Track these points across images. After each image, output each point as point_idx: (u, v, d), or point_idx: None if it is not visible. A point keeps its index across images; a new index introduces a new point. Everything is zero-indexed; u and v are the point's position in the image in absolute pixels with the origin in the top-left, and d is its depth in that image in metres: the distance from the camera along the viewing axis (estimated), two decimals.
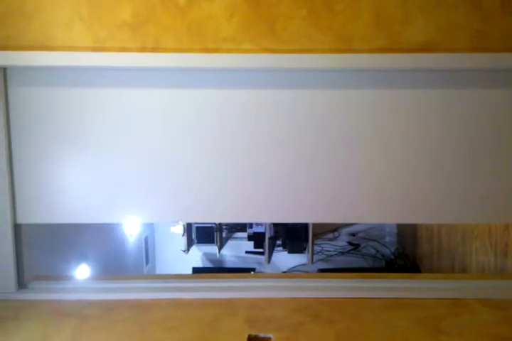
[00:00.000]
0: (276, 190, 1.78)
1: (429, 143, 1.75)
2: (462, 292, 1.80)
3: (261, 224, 4.21)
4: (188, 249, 4.50)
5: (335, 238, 4.75)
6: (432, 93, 1.73)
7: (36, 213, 1.77)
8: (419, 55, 1.65)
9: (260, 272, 4.58)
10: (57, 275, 1.83)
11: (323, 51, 1.66)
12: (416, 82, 1.72)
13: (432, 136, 1.75)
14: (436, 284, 1.83)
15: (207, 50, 1.66)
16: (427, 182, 1.77)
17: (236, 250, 4.90)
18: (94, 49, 1.66)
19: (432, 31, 1.66)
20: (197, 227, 4.52)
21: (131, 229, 4.00)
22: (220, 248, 4.70)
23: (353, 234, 4.72)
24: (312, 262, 4.23)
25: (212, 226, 4.55)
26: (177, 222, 4.02)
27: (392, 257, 4.57)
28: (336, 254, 4.67)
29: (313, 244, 4.21)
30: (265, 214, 1.82)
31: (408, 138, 1.76)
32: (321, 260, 4.66)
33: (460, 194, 1.77)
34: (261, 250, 4.39)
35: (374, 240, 4.61)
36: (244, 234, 4.61)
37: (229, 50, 1.66)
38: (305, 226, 4.15)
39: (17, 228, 1.77)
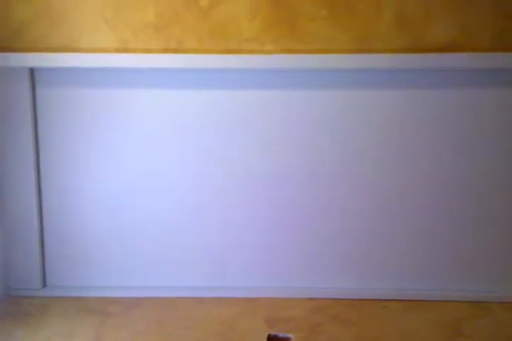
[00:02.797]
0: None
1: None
2: (484, 294, 1.78)
3: None
4: None
5: None
6: (455, 94, 1.72)
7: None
8: (442, 54, 1.64)
9: None
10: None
11: (345, 51, 1.66)
12: (438, 82, 1.71)
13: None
14: (458, 286, 1.81)
15: (229, 51, 1.67)
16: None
17: None
18: (119, 50, 1.69)
19: (455, 30, 1.64)
20: None
21: None
22: None
23: None
24: None
25: None
26: None
27: None
28: None
29: None
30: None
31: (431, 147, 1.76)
32: None
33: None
34: None
35: None
36: None
37: (251, 51, 1.67)
38: None
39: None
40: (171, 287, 1.85)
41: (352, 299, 1.78)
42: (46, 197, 1.81)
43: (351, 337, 1.56)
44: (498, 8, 1.63)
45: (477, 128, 1.73)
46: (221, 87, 1.73)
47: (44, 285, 1.85)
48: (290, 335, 1.57)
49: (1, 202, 1.78)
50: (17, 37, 1.68)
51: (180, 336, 1.57)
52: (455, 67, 1.66)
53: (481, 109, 1.72)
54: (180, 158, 1.78)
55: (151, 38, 1.68)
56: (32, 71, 1.73)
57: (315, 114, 1.75)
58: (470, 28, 1.64)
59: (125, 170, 1.79)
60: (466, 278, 1.81)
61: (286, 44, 1.67)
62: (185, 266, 1.85)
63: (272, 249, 1.83)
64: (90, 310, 1.72)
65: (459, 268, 1.81)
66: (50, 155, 1.78)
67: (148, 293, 1.82)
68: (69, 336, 1.56)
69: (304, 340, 1.54)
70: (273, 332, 1.58)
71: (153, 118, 1.76)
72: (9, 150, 1.75)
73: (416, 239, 1.80)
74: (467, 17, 1.64)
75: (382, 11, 1.64)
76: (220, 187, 1.80)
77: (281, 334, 1.58)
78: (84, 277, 1.85)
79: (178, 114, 1.76)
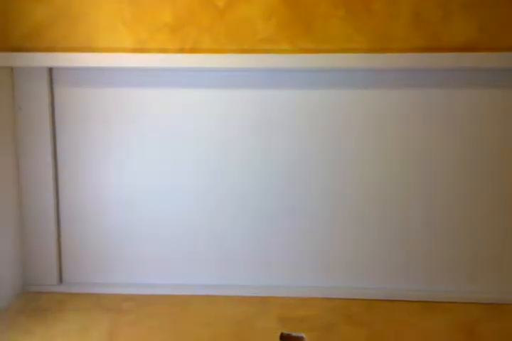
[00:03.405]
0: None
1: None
2: (500, 296, 1.77)
3: None
4: None
5: None
6: (474, 93, 1.70)
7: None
8: (460, 54, 1.62)
9: None
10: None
11: (361, 51, 1.65)
12: (457, 81, 1.70)
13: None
14: (473, 287, 1.80)
15: (244, 51, 1.68)
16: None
17: None
18: (135, 50, 1.71)
19: (474, 30, 1.63)
20: None
21: None
22: None
23: None
24: None
25: None
26: None
27: None
28: None
29: None
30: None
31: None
32: None
33: None
34: None
35: None
36: None
37: (266, 51, 1.67)
38: None
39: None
40: (184, 285, 1.86)
41: (366, 299, 1.78)
42: (63, 195, 1.83)
43: (365, 338, 1.55)
44: None
45: (498, 129, 1.72)
46: (237, 87, 1.74)
47: (60, 281, 1.87)
48: (303, 335, 1.57)
49: (19, 199, 1.81)
50: (36, 37, 1.71)
51: (194, 334, 1.58)
52: (474, 66, 1.64)
53: (502, 109, 1.70)
54: (193, 158, 1.79)
55: (167, 38, 1.69)
56: (50, 70, 1.76)
57: (331, 113, 1.74)
58: (489, 28, 1.62)
59: (140, 169, 1.81)
60: (479, 280, 1.80)
61: (301, 44, 1.67)
62: (198, 263, 1.86)
63: (287, 248, 1.83)
64: (105, 306, 1.74)
65: (472, 270, 1.79)
66: (68, 154, 1.81)
67: (162, 290, 1.83)
68: (84, 332, 1.58)
69: (317, 340, 1.54)
70: (286, 331, 1.58)
71: (169, 117, 1.77)
72: (27, 148, 1.78)
73: (430, 240, 1.79)
74: (486, 17, 1.62)
75: (399, 10, 1.63)
76: (231, 186, 1.80)
77: (294, 334, 1.58)
78: (100, 274, 1.88)
79: (195, 113, 1.77)
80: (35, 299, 1.79)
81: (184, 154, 1.79)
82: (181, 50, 1.70)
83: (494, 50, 1.63)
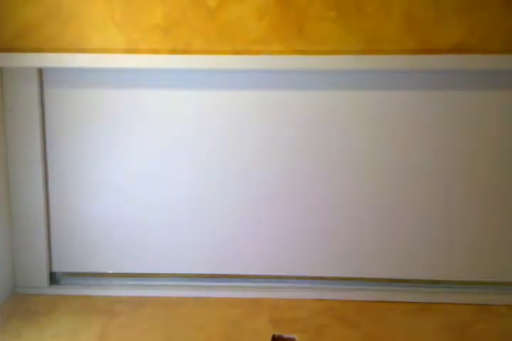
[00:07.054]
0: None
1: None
2: (492, 298, 1.77)
3: None
4: None
5: None
6: (465, 95, 1.71)
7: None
8: (451, 55, 1.63)
9: None
10: (88, 272, 1.87)
11: (353, 52, 1.65)
12: (447, 83, 1.70)
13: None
14: (465, 289, 1.81)
15: (236, 52, 1.67)
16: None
17: None
18: (127, 51, 1.69)
19: (465, 32, 1.63)
20: None
21: None
22: None
23: None
24: None
25: None
26: None
27: None
28: None
29: None
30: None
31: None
32: None
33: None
34: None
35: None
36: None
37: (258, 52, 1.67)
38: None
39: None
40: (176, 286, 1.85)
41: (358, 301, 1.78)
42: (53, 196, 1.82)
43: (356, 339, 1.55)
44: (509, 10, 1.61)
45: (487, 130, 1.72)
46: (228, 88, 1.73)
47: (51, 283, 1.86)
48: (295, 336, 1.57)
49: (9, 200, 1.80)
50: (26, 37, 1.69)
51: (186, 336, 1.58)
52: (465, 68, 1.65)
53: (491, 110, 1.71)
54: (181, 156, 1.79)
55: (159, 39, 1.68)
56: (40, 71, 1.74)
57: (322, 115, 1.74)
58: (480, 30, 1.63)
59: (130, 169, 1.80)
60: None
61: (293, 45, 1.66)
62: (190, 265, 1.85)
63: (278, 250, 1.83)
64: (96, 308, 1.73)
65: (466, 271, 1.80)
66: (58, 155, 1.79)
67: (153, 292, 1.83)
68: (75, 334, 1.58)
69: None
70: (278, 333, 1.58)
71: (159, 118, 1.77)
72: (17, 150, 1.76)
73: (423, 241, 1.79)
74: (477, 19, 1.63)
75: (391, 12, 1.63)
76: (224, 186, 1.80)
77: (286, 335, 1.58)
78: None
79: (185, 114, 1.76)
80: (26, 301, 1.77)
81: (173, 153, 1.78)
82: (173, 51, 1.69)
83: (485, 51, 1.63)
